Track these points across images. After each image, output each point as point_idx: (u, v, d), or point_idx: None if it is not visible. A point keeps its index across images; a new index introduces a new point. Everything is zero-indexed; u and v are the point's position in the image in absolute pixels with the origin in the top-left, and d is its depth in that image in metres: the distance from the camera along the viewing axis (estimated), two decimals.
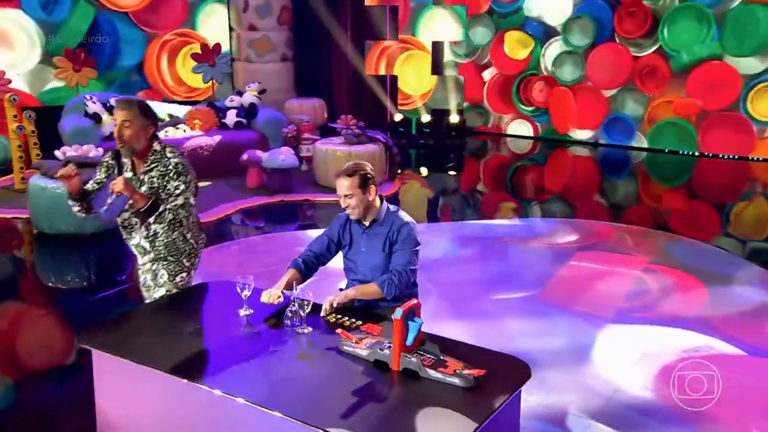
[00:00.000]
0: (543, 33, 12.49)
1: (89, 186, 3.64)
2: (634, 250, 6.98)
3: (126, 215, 3.59)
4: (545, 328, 5.09)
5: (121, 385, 3.13)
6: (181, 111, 10.11)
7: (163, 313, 3.46)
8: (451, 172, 11.17)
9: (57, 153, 7.73)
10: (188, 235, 3.71)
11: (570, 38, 12.10)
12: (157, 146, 3.58)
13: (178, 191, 3.54)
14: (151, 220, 3.52)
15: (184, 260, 3.74)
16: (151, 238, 3.62)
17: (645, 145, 11.89)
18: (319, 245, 3.64)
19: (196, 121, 9.75)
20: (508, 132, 13.21)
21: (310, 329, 3.19)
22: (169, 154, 3.58)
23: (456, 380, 2.73)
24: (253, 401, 2.66)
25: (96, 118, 9.06)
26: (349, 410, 2.58)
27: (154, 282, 3.73)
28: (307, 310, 3.19)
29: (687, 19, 11.09)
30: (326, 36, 13.16)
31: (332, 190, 8.60)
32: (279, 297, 3.36)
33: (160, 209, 3.50)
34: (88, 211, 3.64)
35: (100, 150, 7.71)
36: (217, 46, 11.34)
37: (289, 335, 3.17)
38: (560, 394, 4.11)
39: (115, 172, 3.60)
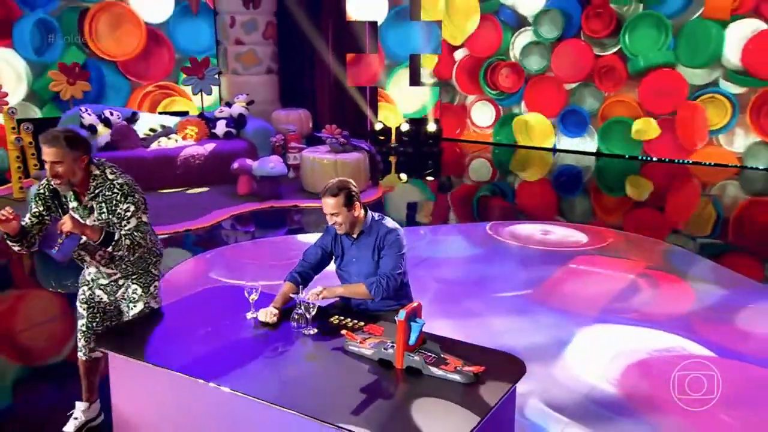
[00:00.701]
0: (515, 22, 12.52)
1: (26, 222, 3.24)
2: (632, 254, 6.89)
3: (77, 250, 3.28)
4: (529, 325, 5.10)
5: (136, 386, 3.12)
6: (171, 122, 10.04)
7: (173, 318, 3.44)
8: (429, 178, 11.21)
9: None
10: (150, 248, 3.46)
11: (539, 30, 12.11)
12: (95, 170, 3.22)
13: (129, 213, 3.22)
14: (109, 249, 3.21)
15: (152, 269, 3.54)
16: (110, 264, 3.39)
17: (595, 138, 12.11)
18: (313, 256, 3.62)
19: (188, 130, 9.70)
20: (471, 113, 13.31)
21: (315, 330, 3.19)
22: (110, 176, 3.23)
23: (457, 377, 2.76)
24: (266, 399, 2.66)
25: (92, 129, 8.96)
26: (359, 407, 2.59)
27: (127, 297, 3.47)
28: (313, 313, 3.20)
29: (648, 26, 11.18)
30: (309, 50, 13.14)
31: (319, 196, 8.70)
32: (275, 315, 3.30)
33: (116, 237, 3.18)
34: (30, 248, 3.25)
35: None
36: (206, 59, 11.29)
37: (296, 337, 3.18)
38: (533, 385, 4.06)
39: (55, 204, 3.27)
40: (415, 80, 12.88)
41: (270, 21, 12.46)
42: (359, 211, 3.48)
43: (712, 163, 11.16)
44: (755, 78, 10.54)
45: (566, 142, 12.46)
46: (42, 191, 3.28)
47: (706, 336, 4.86)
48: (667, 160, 11.52)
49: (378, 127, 12.52)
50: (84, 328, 3.50)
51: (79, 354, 3.55)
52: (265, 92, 12.36)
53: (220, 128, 9.89)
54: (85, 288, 3.49)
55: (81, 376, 3.62)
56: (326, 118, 12.64)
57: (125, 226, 3.23)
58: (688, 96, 11.11)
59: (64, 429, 3.60)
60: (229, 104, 10.36)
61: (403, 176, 11.19)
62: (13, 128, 8.36)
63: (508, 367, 2.90)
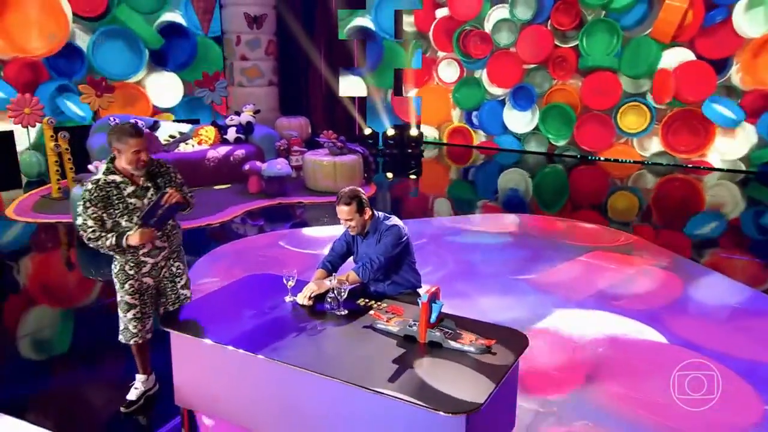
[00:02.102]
0: None
1: (90, 224, 3.31)
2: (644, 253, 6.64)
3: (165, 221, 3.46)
4: (514, 303, 5.21)
5: (194, 361, 3.19)
6: (186, 129, 10.01)
7: (222, 301, 3.50)
8: (413, 176, 11.32)
9: (90, 167, 7.64)
10: (178, 225, 3.66)
11: (515, 10, 12.13)
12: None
13: (183, 182, 3.58)
14: (186, 213, 3.53)
15: (182, 246, 3.70)
16: (166, 236, 3.51)
17: (537, 116, 12.29)
18: (340, 248, 3.74)
19: (201, 134, 9.69)
20: (439, 67, 13.24)
21: (346, 312, 3.29)
22: (160, 161, 3.52)
23: (472, 348, 2.88)
24: (313, 370, 2.75)
25: None
26: (393, 375, 2.70)
27: (173, 273, 3.61)
28: (344, 296, 3.30)
29: (604, 31, 11.34)
30: (305, 64, 13.17)
31: (320, 194, 8.79)
32: (310, 299, 3.37)
33: (190, 197, 3.53)
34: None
35: None
36: (217, 73, 11.26)
37: (330, 317, 3.27)
38: None
39: (111, 199, 3.32)
40: (398, 91, 12.97)
41: (271, 39, 12.46)
42: (368, 215, 3.58)
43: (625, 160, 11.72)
44: (675, 98, 10.84)
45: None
46: (94, 195, 3.28)
47: (667, 325, 4.80)
48: (579, 156, 11.96)
49: (367, 132, 12.57)
50: (139, 315, 3.55)
51: (134, 340, 3.58)
52: (267, 102, 12.38)
53: (231, 134, 9.89)
54: (132, 281, 3.49)
55: (135, 355, 3.71)
56: (320, 124, 12.71)
57: (187, 192, 3.54)
58: (620, 100, 11.37)
59: (128, 397, 3.70)
60: (238, 113, 10.36)
61: (390, 175, 11.28)
62: (52, 136, 8.30)
63: (513, 340, 3.02)
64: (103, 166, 3.39)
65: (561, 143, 12.26)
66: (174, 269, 3.61)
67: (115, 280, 3.52)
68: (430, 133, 13.54)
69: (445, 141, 13.49)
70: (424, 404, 2.51)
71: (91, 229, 3.31)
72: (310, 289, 3.38)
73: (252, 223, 7.89)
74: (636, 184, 10.47)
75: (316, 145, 10.02)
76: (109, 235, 3.31)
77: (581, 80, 11.79)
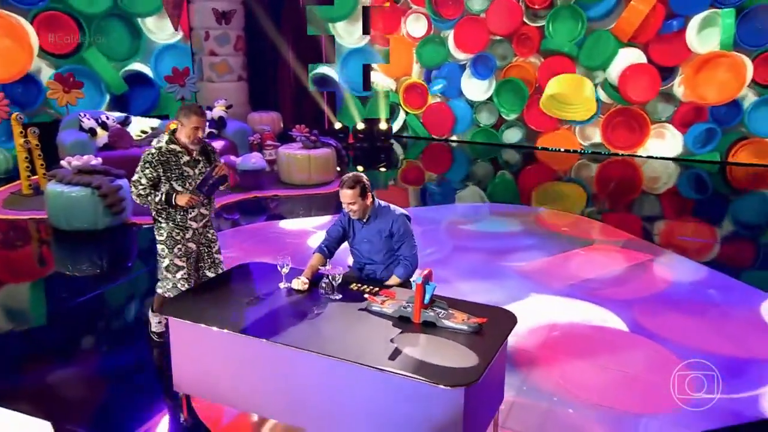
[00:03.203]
0: None
1: (144, 184, 3.83)
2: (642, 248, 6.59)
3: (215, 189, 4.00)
4: (493, 287, 5.35)
5: (193, 346, 3.24)
6: (157, 124, 9.89)
7: (219, 289, 3.55)
8: (383, 169, 11.41)
9: (63, 162, 7.50)
10: None
11: None
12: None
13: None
14: (223, 188, 4.03)
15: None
16: (208, 206, 4.07)
17: (492, 87, 12.38)
18: (335, 233, 3.80)
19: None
20: (408, 20, 12.94)
21: (341, 296, 3.39)
22: (209, 143, 4.10)
23: (465, 327, 3.01)
24: (315, 350, 2.84)
25: (92, 132, 8.79)
26: (392, 353, 2.81)
27: (209, 239, 4.16)
28: (339, 281, 3.39)
29: (570, 18, 11.45)
30: (274, 59, 13.12)
31: (294, 187, 8.82)
32: (305, 284, 3.47)
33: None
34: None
35: (99, 159, 7.56)
36: (186, 69, 11.15)
37: (325, 301, 3.35)
38: None
39: (169, 164, 3.84)
40: (367, 86, 13.01)
41: (240, 35, 12.37)
42: (370, 200, 3.66)
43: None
44: (620, 96, 11.25)
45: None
46: (156, 158, 3.82)
47: (636, 316, 4.86)
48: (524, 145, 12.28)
49: (337, 126, 12.61)
50: (186, 276, 4.03)
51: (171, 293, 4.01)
52: (237, 97, 12.28)
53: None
54: (180, 246, 3.99)
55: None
56: (290, 118, 12.70)
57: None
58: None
59: (156, 330, 4.33)
60: (210, 108, 10.28)
61: (360, 168, 11.34)
62: (21, 132, 8.13)
63: (502, 319, 3.16)
64: (165, 136, 3.90)
65: (511, 117, 12.40)
66: (209, 236, 4.17)
67: (163, 246, 3.99)
68: (386, 83, 13.35)
69: (401, 95, 13.30)
70: (424, 379, 2.62)
71: (142, 187, 3.82)
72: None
73: (227, 217, 7.88)
74: (584, 174, 10.76)
75: (288, 139, 10.03)
76: (159, 193, 3.83)
77: (541, 61, 11.97)
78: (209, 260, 4.17)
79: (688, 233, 7.54)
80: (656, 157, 11.47)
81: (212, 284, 3.61)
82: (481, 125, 12.79)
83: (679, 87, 11.04)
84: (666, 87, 11.11)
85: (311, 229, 7.20)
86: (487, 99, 12.56)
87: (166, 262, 3.99)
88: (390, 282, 3.64)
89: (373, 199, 3.73)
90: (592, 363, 4.18)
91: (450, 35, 12.70)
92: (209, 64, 12.14)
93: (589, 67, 11.49)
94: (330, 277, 3.38)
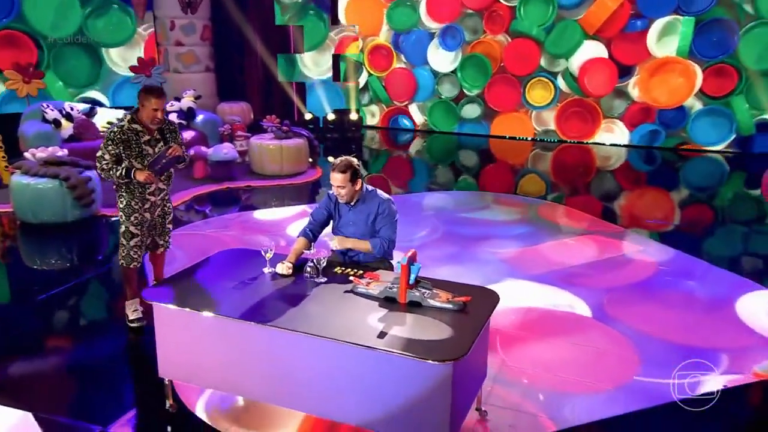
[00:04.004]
0: None
1: (108, 160, 4.06)
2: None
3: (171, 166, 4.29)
4: (471, 271, 5.43)
5: (179, 331, 3.23)
6: (122, 115, 9.71)
7: (203, 275, 3.54)
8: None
9: (27, 155, 7.34)
10: None
11: None
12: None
13: (183, 145, 4.39)
14: (180, 166, 4.39)
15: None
16: (166, 181, 4.38)
17: (458, 60, 12.47)
18: (320, 216, 3.83)
19: None
20: None
21: (326, 279, 3.42)
22: (169, 118, 4.56)
23: (450, 305, 3.07)
24: (307, 332, 2.87)
25: (56, 123, 8.62)
26: (380, 333, 2.86)
27: (165, 211, 4.46)
28: (324, 264, 3.42)
29: (543, 2, 11.58)
30: (242, 49, 12.99)
31: (267, 177, 8.78)
32: (290, 268, 3.49)
33: (185, 155, 4.36)
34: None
35: (65, 151, 7.42)
36: (153, 59, 10.97)
37: (311, 285, 3.38)
38: None
39: (130, 142, 4.07)
40: (337, 77, 12.99)
41: (206, 24, 12.21)
42: (359, 186, 3.70)
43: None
44: (578, 87, 11.59)
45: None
46: (118, 136, 4.05)
47: (604, 303, 4.89)
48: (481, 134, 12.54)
49: (307, 117, 12.56)
50: (139, 243, 4.35)
51: (134, 264, 4.35)
52: (205, 88, 12.12)
53: (172, 120, 9.69)
54: (136, 215, 4.26)
55: (130, 280, 4.42)
56: (259, 109, 12.62)
57: (185, 150, 4.38)
58: (535, 70, 11.90)
59: (133, 317, 4.43)
60: (178, 99, 10.15)
61: (331, 159, 11.33)
62: None
63: (485, 297, 3.24)
64: (127, 115, 4.14)
65: (473, 92, 12.53)
66: (166, 209, 4.48)
67: (121, 213, 4.27)
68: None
69: (365, 56, 13.24)
70: (413, 355, 2.68)
71: (105, 162, 4.06)
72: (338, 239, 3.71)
73: (199, 209, 7.81)
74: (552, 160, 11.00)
75: (259, 130, 9.96)
76: (121, 167, 4.06)
77: (508, 40, 12.11)
78: (161, 229, 4.51)
79: (656, 215, 7.81)
80: (605, 144, 11.91)
81: (195, 270, 3.60)
82: (443, 96, 12.89)
83: (633, 88, 11.42)
84: (622, 84, 11.49)
85: (290, 217, 7.20)
86: (451, 71, 12.63)
87: (122, 228, 4.30)
88: (360, 245, 3.69)
89: (362, 185, 3.76)
90: (548, 343, 4.27)
91: (423, 2, 12.68)
92: (175, 55, 11.95)
93: (554, 54, 11.70)
94: (315, 261, 3.41)
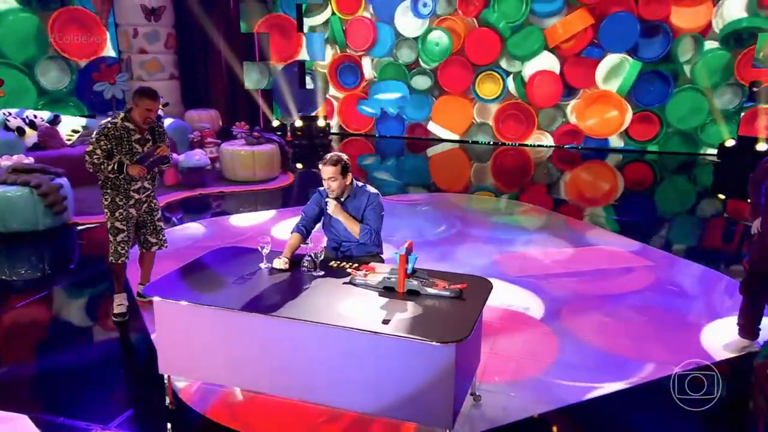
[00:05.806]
0: None
1: (98, 155, 4.23)
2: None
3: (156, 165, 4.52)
4: (450, 268, 5.44)
5: (179, 326, 3.28)
6: (91, 123, 9.61)
7: (201, 271, 3.58)
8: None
9: None
10: None
11: None
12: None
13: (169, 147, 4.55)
14: (165, 167, 4.84)
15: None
16: (152, 181, 4.58)
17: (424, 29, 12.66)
18: (312, 212, 3.90)
19: None
20: None
21: (323, 273, 3.52)
22: (161, 125, 4.60)
23: (447, 293, 3.21)
24: (308, 320, 2.96)
25: (20, 131, 8.46)
26: (384, 320, 2.97)
27: (152, 207, 4.64)
28: (321, 258, 3.52)
29: (518, 1, 11.92)
30: (207, 57, 12.97)
31: (239, 183, 8.78)
32: (286, 263, 3.57)
33: (170, 156, 4.54)
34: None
35: (31, 159, 7.34)
36: (116, 66, 10.86)
37: (309, 278, 3.47)
38: None
39: (122, 139, 4.25)
40: (302, 83, 13.05)
41: (170, 32, 12.16)
42: (349, 180, 3.80)
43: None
44: (524, 93, 12.22)
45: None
46: (111, 132, 4.23)
47: (562, 312, 4.84)
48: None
49: (275, 123, 12.59)
50: (126, 239, 4.53)
51: (122, 259, 4.54)
52: (170, 95, 12.05)
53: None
54: (121, 210, 4.45)
55: (118, 276, 4.64)
56: (224, 116, 12.61)
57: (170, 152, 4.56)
58: (491, 63, 12.32)
59: (118, 312, 4.60)
60: None
61: (300, 165, 11.37)
62: None
63: (479, 285, 3.39)
64: (121, 114, 4.34)
65: (431, 66, 12.81)
66: (152, 205, 4.66)
67: (106, 210, 4.46)
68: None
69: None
70: (418, 338, 2.81)
71: (96, 156, 4.23)
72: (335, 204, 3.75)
73: (168, 216, 7.76)
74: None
75: (228, 137, 9.97)
76: (112, 162, 4.25)
77: (475, 27, 12.38)
78: (152, 227, 4.70)
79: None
80: (535, 146, 12.61)
81: (193, 266, 3.65)
82: (399, 61, 13.07)
83: (571, 114, 12.17)
84: (563, 103, 12.18)
85: (267, 221, 7.24)
86: (414, 38, 12.82)
87: (108, 224, 4.49)
88: (350, 222, 3.75)
89: (352, 180, 3.86)
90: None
91: None
92: (139, 62, 11.86)
93: (512, 54, 12.11)
94: (312, 254, 3.51)
